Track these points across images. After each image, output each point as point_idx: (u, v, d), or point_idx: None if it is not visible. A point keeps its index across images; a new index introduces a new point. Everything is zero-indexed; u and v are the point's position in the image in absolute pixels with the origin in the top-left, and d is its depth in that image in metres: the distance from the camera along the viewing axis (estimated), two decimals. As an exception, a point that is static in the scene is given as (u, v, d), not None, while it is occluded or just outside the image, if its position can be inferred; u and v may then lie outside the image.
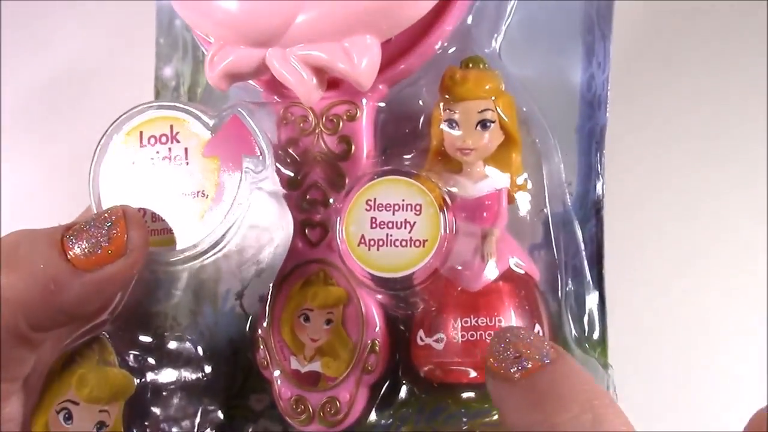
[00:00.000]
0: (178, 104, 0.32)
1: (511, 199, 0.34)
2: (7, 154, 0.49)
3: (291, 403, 0.34)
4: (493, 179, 0.33)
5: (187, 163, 0.32)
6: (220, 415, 0.36)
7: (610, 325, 0.35)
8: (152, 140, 0.32)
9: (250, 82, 0.35)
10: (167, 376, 0.37)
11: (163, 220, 0.32)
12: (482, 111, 0.33)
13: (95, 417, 0.32)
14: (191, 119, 0.32)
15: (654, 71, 0.41)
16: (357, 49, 0.31)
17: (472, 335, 0.31)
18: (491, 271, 0.32)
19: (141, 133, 0.32)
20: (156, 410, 0.35)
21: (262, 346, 0.35)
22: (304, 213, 0.35)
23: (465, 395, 0.33)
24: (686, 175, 0.39)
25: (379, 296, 0.33)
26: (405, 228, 0.30)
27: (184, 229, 0.32)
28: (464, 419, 0.33)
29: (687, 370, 0.34)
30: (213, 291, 0.39)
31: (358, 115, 0.34)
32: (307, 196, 0.35)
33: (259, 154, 0.31)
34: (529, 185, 0.35)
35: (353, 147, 0.34)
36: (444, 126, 0.33)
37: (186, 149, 0.32)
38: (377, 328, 0.33)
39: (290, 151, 0.35)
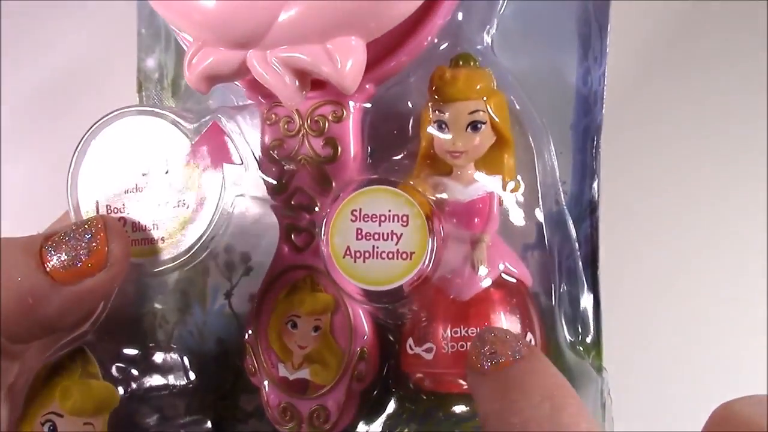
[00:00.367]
0: (156, 109, 0.31)
1: (501, 201, 0.33)
2: (7, 154, 0.48)
3: (279, 411, 0.34)
4: (484, 182, 0.32)
5: (167, 172, 0.31)
6: (209, 424, 0.36)
7: (605, 328, 0.34)
8: (131, 147, 0.31)
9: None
10: (154, 380, 0.36)
11: (144, 230, 0.31)
12: (473, 112, 0.32)
13: (80, 429, 0.31)
14: (170, 126, 0.31)
15: (652, 66, 0.39)
16: (341, 51, 0.29)
17: (462, 346, 0.31)
18: (482, 280, 0.31)
19: (119, 139, 0.31)
20: (143, 418, 0.34)
21: (249, 353, 0.34)
22: (290, 218, 0.34)
23: (455, 405, 0.32)
24: (684, 175, 0.38)
25: (367, 306, 0.32)
26: (392, 240, 0.30)
27: (165, 239, 0.31)
28: (455, 430, 0.32)
29: (683, 373, 0.34)
30: (201, 289, 0.38)
31: (344, 116, 0.33)
32: (292, 201, 0.34)
33: (240, 162, 0.30)
34: (522, 185, 0.34)
35: (340, 149, 0.33)
36: (433, 128, 0.32)
37: (166, 157, 0.31)
38: (366, 336, 0.33)
39: (274, 153, 0.34)
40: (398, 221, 0.30)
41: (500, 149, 0.33)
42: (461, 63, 0.32)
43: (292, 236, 0.34)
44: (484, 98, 0.32)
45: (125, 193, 0.31)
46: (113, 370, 0.34)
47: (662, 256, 0.38)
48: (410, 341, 0.32)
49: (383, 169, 0.33)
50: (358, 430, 0.34)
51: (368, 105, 0.34)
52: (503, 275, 0.32)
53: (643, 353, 0.38)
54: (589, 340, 0.34)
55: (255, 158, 0.33)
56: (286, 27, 0.29)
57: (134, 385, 0.35)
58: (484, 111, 0.32)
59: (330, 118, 0.33)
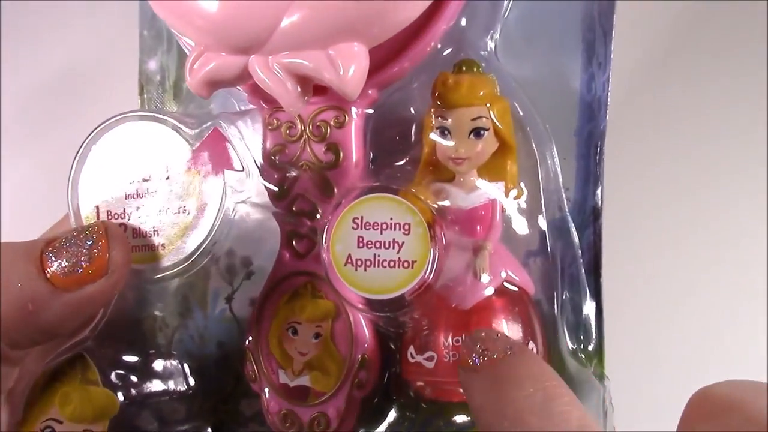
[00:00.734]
0: (158, 115, 0.31)
1: (504, 208, 0.33)
2: (8, 155, 0.48)
3: (280, 417, 0.34)
4: (487, 189, 0.32)
5: (168, 178, 0.31)
6: (209, 430, 0.36)
7: (607, 336, 0.34)
8: (132, 153, 0.31)
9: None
10: (154, 385, 0.36)
11: (145, 236, 0.31)
12: (476, 119, 0.31)
13: (80, 436, 0.31)
14: (171, 131, 0.31)
15: (656, 73, 0.39)
16: (343, 57, 0.29)
17: (463, 354, 0.30)
18: (484, 288, 0.31)
19: (120, 144, 0.31)
20: (143, 423, 0.34)
21: (250, 359, 0.34)
22: (291, 224, 0.34)
23: (456, 415, 0.32)
24: (688, 182, 0.38)
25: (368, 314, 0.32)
26: (393, 248, 0.29)
27: (166, 246, 0.31)
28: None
29: (685, 382, 0.33)
30: (202, 293, 0.38)
31: (346, 121, 0.33)
32: (294, 208, 0.33)
33: (242, 168, 0.30)
34: (525, 191, 0.33)
35: (342, 155, 0.33)
36: (436, 134, 0.32)
37: (167, 163, 0.31)
38: (367, 343, 0.33)
39: (276, 159, 0.33)
40: (400, 229, 0.29)
41: (503, 156, 0.32)
42: (464, 69, 0.32)
43: (293, 242, 0.34)
44: (488, 104, 0.32)
45: (126, 198, 0.31)
46: (112, 375, 0.34)
47: (665, 263, 0.38)
48: (411, 349, 0.32)
49: (385, 175, 0.33)
50: (358, 436, 0.34)
51: (370, 111, 0.33)
52: (505, 283, 0.32)
53: (646, 361, 0.38)
54: (591, 347, 0.34)
55: (256, 164, 0.32)
56: (289, 33, 0.29)
57: (134, 391, 0.35)
58: (487, 117, 0.32)
59: (332, 123, 0.33)
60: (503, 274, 0.32)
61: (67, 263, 0.29)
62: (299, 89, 0.30)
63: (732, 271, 0.38)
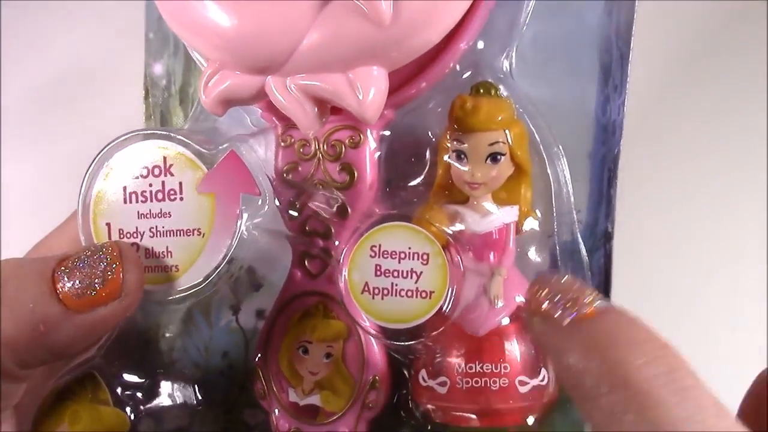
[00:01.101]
0: (171, 133, 0.31)
1: (518, 231, 0.33)
2: (10, 155, 0.47)
3: (289, 436, 0.34)
4: (501, 213, 0.32)
5: (182, 199, 0.30)
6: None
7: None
8: (145, 171, 0.31)
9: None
10: (159, 396, 0.36)
11: (158, 257, 0.31)
12: (493, 144, 0.31)
13: (89, 454, 0.31)
14: (186, 151, 0.30)
15: (673, 97, 0.39)
16: (363, 81, 0.29)
17: (476, 382, 0.31)
18: (498, 315, 0.31)
19: (133, 163, 0.31)
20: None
21: (259, 377, 0.34)
22: (304, 244, 0.33)
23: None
24: (701, 208, 0.38)
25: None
26: (411, 277, 0.29)
27: (180, 268, 0.30)
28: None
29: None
30: (207, 304, 0.38)
31: (361, 141, 0.33)
32: (307, 227, 0.33)
33: (258, 192, 0.30)
34: (539, 214, 0.33)
35: (356, 176, 0.32)
36: (452, 158, 0.32)
37: (180, 183, 0.30)
38: (378, 364, 0.33)
39: (288, 177, 0.33)
40: (418, 259, 0.29)
41: (518, 180, 0.32)
42: (482, 91, 0.32)
43: (305, 262, 0.34)
44: (505, 129, 0.31)
45: (138, 218, 0.31)
46: (117, 386, 0.34)
47: (676, 287, 0.38)
48: (423, 373, 0.32)
49: (401, 198, 0.33)
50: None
51: (386, 132, 0.33)
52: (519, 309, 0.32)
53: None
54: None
55: (271, 182, 0.32)
56: (308, 55, 0.29)
57: (139, 401, 0.35)
58: (504, 142, 0.31)
59: (347, 143, 0.33)
60: (517, 299, 0.32)
61: (80, 284, 0.29)
62: (317, 111, 0.30)
63: (747, 297, 0.38)
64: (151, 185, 0.31)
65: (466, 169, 0.31)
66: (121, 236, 0.31)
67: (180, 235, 0.30)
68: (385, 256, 0.29)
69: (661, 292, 0.37)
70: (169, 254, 0.31)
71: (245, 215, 0.30)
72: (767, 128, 0.39)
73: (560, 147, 0.34)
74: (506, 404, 0.30)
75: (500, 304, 0.31)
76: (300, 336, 0.33)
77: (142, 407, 0.35)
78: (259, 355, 0.34)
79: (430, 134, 0.33)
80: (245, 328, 0.37)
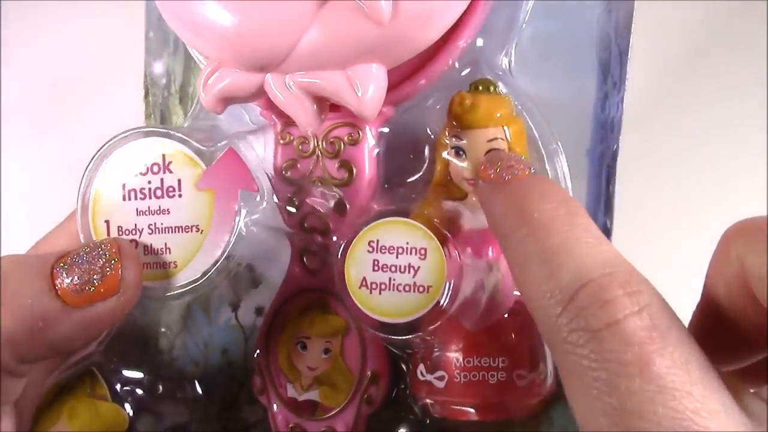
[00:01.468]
0: (171, 131, 0.31)
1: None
2: (10, 156, 0.47)
3: (287, 431, 0.34)
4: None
5: (180, 196, 0.30)
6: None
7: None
8: (144, 169, 0.31)
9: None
10: (159, 392, 0.36)
11: (156, 254, 0.31)
12: (491, 140, 0.31)
13: (87, 450, 0.31)
14: (185, 148, 0.30)
15: (672, 94, 0.39)
16: (362, 78, 0.29)
17: (474, 376, 0.31)
18: (496, 310, 0.31)
19: (132, 160, 0.31)
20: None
21: (258, 372, 0.34)
22: (302, 240, 0.33)
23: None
24: (700, 205, 0.38)
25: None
26: (409, 272, 0.29)
27: (178, 264, 0.30)
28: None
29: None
30: (206, 300, 0.38)
31: (360, 138, 0.33)
32: (305, 224, 0.33)
33: (257, 189, 0.30)
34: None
35: (355, 173, 0.33)
36: (450, 154, 0.32)
37: (179, 180, 0.30)
38: (377, 360, 0.33)
39: (287, 174, 0.33)
40: (416, 254, 0.29)
41: (516, 176, 0.32)
42: (480, 88, 0.32)
43: (304, 258, 0.34)
44: (504, 126, 0.31)
45: (137, 215, 0.31)
46: (116, 383, 0.34)
47: (676, 285, 0.38)
48: (421, 367, 0.32)
49: (399, 194, 0.33)
50: (366, 452, 0.34)
51: (385, 129, 0.33)
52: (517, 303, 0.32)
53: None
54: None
55: (270, 180, 0.32)
56: (308, 52, 0.29)
57: (138, 397, 0.35)
58: (503, 138, 0.31)
59: (346, 140, 0.33)
60: (515, 293, 0.32)
61: (78, 280, 0.29)
62: (316, 108, 0.30)
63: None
64: (149, 182, 0.31)
65: (464, 165, 0.31)
66: (120, 233, 0.31)
67: (178, 231, 0.30)
68: (383, 251, 0.30)
69: (661, 290, 0.37)
70: (168, 251, 0.31)
71: (244, 212, 0.30)
72: (767, 125, 0.39)
73: (559, 144, 0.34)
74: (504, 398, 0.31)
75: (498, 299, 0.31)
76: (298, 331, 0.33)
77: (141, 404, 0.35)
78: (258, 350, 0.34)
79: (428, 131, 0.33)
80: (244, 325, 0.37)
